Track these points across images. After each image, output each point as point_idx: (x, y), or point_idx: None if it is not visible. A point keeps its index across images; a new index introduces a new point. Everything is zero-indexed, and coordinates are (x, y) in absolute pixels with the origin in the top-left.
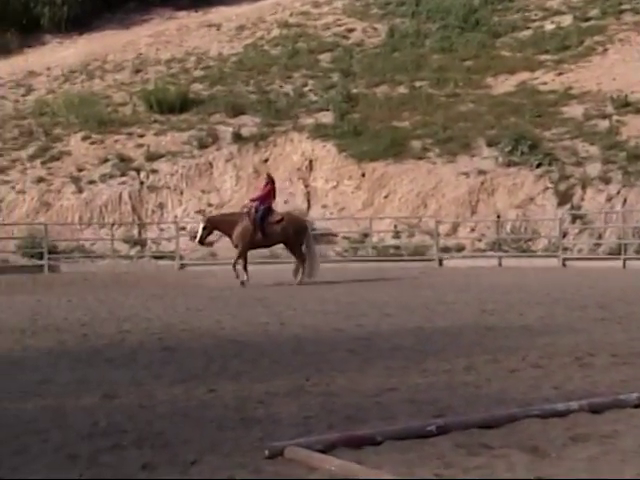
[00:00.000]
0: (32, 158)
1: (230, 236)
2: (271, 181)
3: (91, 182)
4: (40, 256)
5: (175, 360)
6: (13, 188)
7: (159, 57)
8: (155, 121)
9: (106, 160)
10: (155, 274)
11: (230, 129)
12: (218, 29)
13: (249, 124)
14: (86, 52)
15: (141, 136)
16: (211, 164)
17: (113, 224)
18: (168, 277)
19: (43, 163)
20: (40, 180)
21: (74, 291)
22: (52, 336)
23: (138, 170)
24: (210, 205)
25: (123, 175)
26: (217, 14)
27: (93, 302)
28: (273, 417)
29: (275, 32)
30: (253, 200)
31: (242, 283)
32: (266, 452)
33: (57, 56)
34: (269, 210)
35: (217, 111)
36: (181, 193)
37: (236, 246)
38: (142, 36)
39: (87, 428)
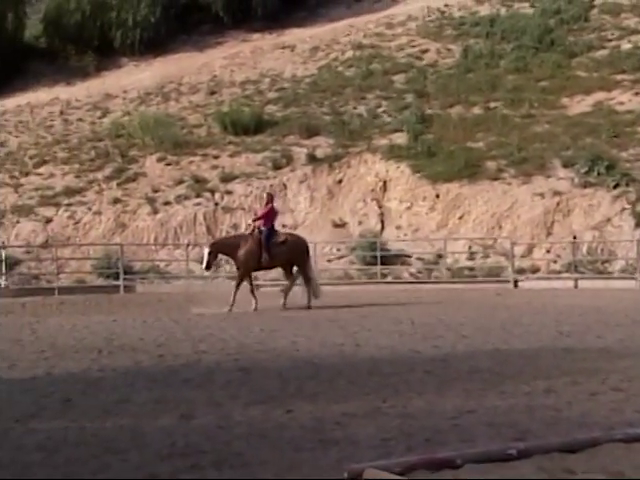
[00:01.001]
0: (108, 179)
1: (234, 258)
2: (271, 200)
3: (166, 203)
4: (116, 276)
5: (251, 381)
6: (90, 209)
7: (233, 79)
8: (230, 142)
9: (181, 181)
10: (229, 294)
11: (304, 150)
12: (292, 51)
13: (323, 145)
14: (161, 74)
15: (216, 157)
16: (285, 185)
17: (188, 245)
18: (242, 297)
19: (119, 184)
20: (116, 201)
21: (149, 311)
22: (128, 356)
23: (213, 191)
24: (284, 226)
25: (198, 196)
26: (291, 36)
27: (168, 322)
28: (351, 438)
29: (349, 53)
30: (256, 219)
31: (230, 309)
32: (345, 474)
33: (133, 78)
34: (273, 230)
35: (291, 132)
36: (255, 214)
37: (238, 268)
38: (216, 58)
39: (166, 448)
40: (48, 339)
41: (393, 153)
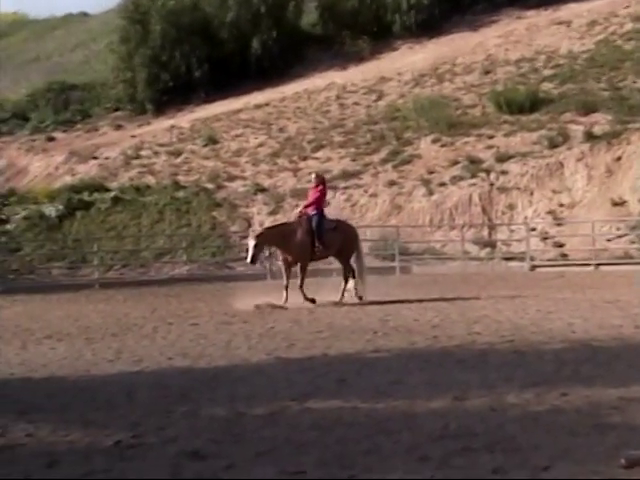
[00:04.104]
0: (384, 162)
1: (286, 250)
2: (322, 182)
3: (441, 184)
4: (392, 258)
5: (526, 363)
6: (366, 192)
7: (508, 57)
8: (504, 122)
9: (456, 162)
10: (505, 275)
11: (581, 128)
12: (568, 26)
13: (601, 122)
14: (435, 56)
15: (490, 137)
16: (562, 164)
17: (463, 226)
18: (518, 278)
19: (394, 167)
20: (391, 183)
21: (424, 292)
22: (403, 337)
23: (488, 171)
24: (561, 205)
25: (473, 177)
26: (567, 11)
27: (443, 303)
28: (629, 424)
29: (628, 26)
30: (308, 206)
31: (314, 301)
32: (622, 461)
33: (407, 61)
34: (323, 216)
35: (567, 110)
36: (531, 194)
37: (293, 262)
38: (491, 37)
39: (438, 430)
40: (325, 319)
41: None
